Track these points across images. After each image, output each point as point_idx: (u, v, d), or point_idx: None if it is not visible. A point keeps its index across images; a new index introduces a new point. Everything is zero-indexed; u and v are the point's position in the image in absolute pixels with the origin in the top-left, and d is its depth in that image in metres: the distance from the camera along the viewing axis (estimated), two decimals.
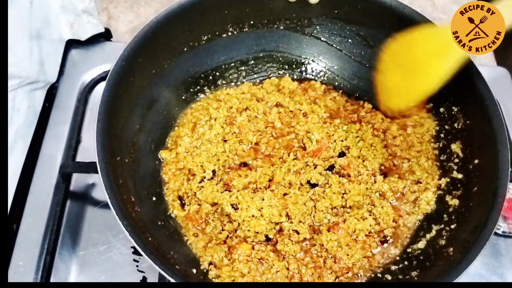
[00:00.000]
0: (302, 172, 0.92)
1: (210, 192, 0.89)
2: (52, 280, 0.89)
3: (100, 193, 0.91)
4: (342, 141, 0.95)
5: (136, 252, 0.92)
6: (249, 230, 0.86)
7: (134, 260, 0.92)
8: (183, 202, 0.91)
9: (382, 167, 0.94)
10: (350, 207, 0.89)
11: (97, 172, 0.73)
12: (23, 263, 0.89)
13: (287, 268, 0.84)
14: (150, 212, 0.86)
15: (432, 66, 0.82)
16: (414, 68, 0.86)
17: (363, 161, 0.93)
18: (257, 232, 0.86)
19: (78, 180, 1.00)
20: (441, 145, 0.96)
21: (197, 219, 0.89)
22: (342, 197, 0.90)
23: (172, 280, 0.69)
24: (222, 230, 0.88)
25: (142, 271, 0.91)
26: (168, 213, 0.90)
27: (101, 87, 1.07)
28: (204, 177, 0.92)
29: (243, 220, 0.85)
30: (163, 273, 0.69)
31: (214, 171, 0.92)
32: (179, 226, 0.89)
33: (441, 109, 0.95)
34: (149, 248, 0.71)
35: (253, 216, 0.86)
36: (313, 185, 0.91)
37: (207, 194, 0.89)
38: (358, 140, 0.95)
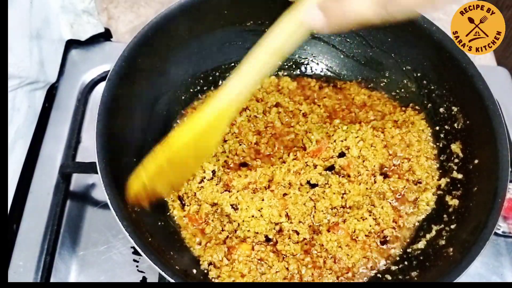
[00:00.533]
0: (302, 172, 0.92)
1: (210, 193, 0.89)
2: (52, 280, 0.89)
3: (100, 193, 0.91)
4: (342, 141, 0.95)
5: (136, 252, 0.92)
6: (249, 231, 0.85)
7: (134, 260, 0.92)
8: (183, 202, 0.91)
9: (384, 169, 0.94)
10: (350, 207, 0.89)
11: (97, 172, 0.73)
12: (23, 263, 0.89)
13: (287, 269, 0.84)
14: (150, 213, 0.86)
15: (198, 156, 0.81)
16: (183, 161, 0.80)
17: (363, 161, 0.93)
18: (257, 233, 0.86)
19: (78, 180, 1.00)
20: (441, 145, 0.96)
21: (197, 219, 0.89)
22: (342, 197, 0.90)
23: (172, 280, 0.69)
24: (222, 230, 0.88)
25: (142, 271, 0.91)
26: (168, 213, 0.90)
27: (101, 87, 1.07)
28: (204, 177, 0.92)
29: (243, 221, 0.85)
30: (163, 273, 0.69)
31: (214, 172, 0.92)
32: (179, 226, 0.89)
33: (441, 109, 0.95)
34: (149, 248, 0.71)
35: (253, 216, 0.85)
36: (313, 185, 0.91)
37: (207, 195, 0.89)
38: (358, 140, 0.95)
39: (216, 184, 0.91)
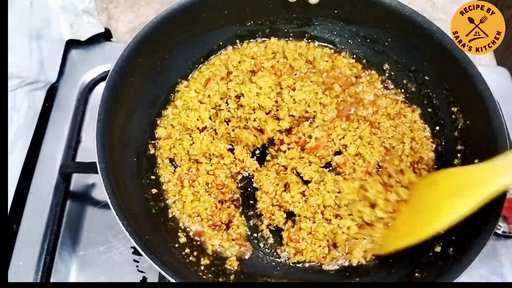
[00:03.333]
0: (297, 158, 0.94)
1: (205, 145, 0.93)
2: (52, 280, 0.89)
3: (100, 193, 0.91)
4: (340, 139, 0.95)
5: (136, 252, 0.92)
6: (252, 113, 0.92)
7: (134, 260, 0.92)
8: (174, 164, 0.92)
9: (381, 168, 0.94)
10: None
11: (97, 172, 0.73)
12: (23, 263, 0.89)
13: None
14: (150, 212, 0.86)
15: (445, 204, 0.77)
16: (425, 206, 0.81)
17: (359, 158, 0.93)
18: (260, 106, 0.92)
19: (78, 180, 1.00)
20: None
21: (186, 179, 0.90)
22: (336, 197, 0.89)
23: (172, 280, 0.69)
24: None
25: (142, 271, 0.91)
26: (168, 214, 0.90)
27: (101, 87, 1.07)
28: (200, 127, 0.95)
29: (248, 104, 0.92)
30: (163, 273, 0.69)
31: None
32: (179, 226, 0.89)
33: (441, 109, 0.95)
34: (149, 248, 0.71)
35: (257, 94, 0.92)
36: (307, 182, 0.91)
37: (203, 146, 0.92)
38: (356, 138, 0.95)
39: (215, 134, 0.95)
